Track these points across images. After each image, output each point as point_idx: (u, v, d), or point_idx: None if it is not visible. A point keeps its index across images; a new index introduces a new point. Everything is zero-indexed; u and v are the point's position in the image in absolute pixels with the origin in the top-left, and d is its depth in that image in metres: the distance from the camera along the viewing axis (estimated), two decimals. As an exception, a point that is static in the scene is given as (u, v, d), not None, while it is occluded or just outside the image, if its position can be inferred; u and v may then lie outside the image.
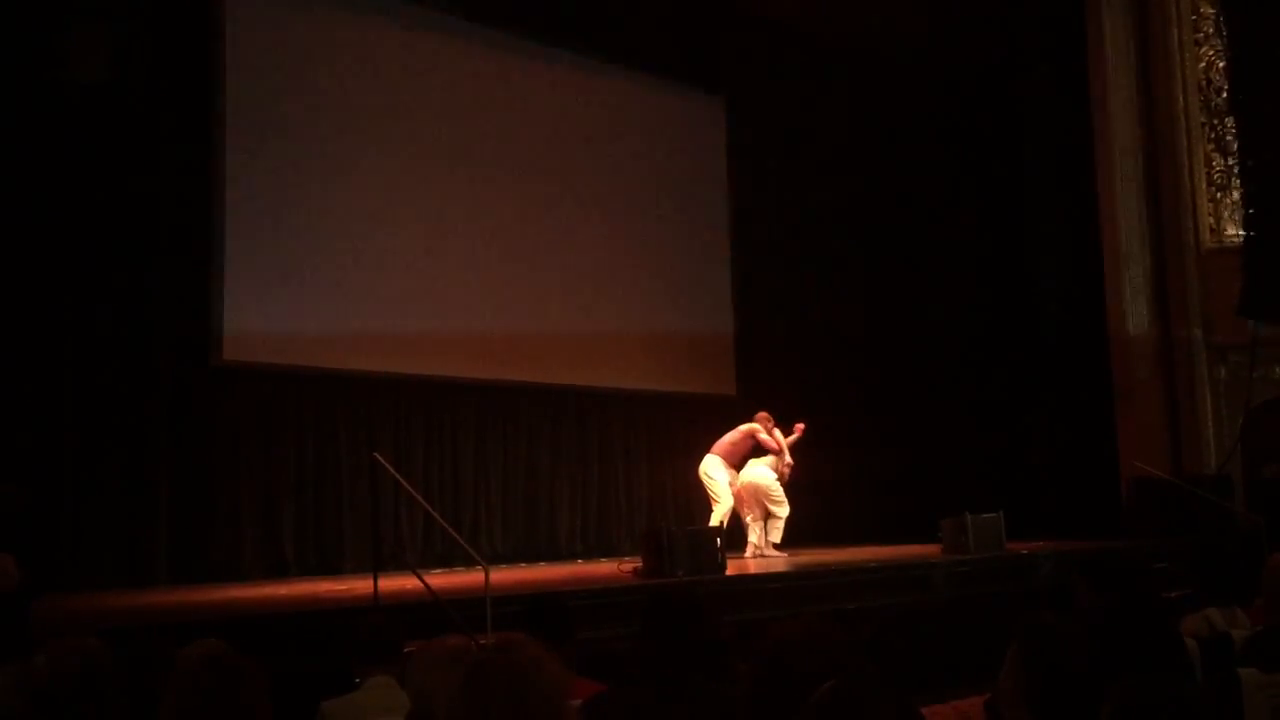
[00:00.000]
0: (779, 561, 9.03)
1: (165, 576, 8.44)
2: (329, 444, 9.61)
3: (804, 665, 1.90)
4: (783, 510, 9.48)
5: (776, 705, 1.90)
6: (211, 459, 8.90)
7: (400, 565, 7.98)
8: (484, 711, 1.42)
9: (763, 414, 9.70)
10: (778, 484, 9.46)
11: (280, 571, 9.02)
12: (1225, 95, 11.30)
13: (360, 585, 6.93)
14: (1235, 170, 11.18)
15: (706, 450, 9.69)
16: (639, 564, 7.91)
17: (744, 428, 9.67)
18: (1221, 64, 11.34)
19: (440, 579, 6.95)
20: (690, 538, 7.68)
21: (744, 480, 9.50)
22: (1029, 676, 2.29)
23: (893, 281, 13.18)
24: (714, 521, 9.18)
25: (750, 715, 2.04)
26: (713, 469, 9.53)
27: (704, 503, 9.89)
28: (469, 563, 8.66)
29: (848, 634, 2.34)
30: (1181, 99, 11.48)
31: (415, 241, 10.14)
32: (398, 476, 6.73)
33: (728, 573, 7.61)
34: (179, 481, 8.71)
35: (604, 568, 9.19)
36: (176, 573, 8.50)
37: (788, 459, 9.54)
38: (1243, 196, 11.04)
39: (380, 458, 6.70)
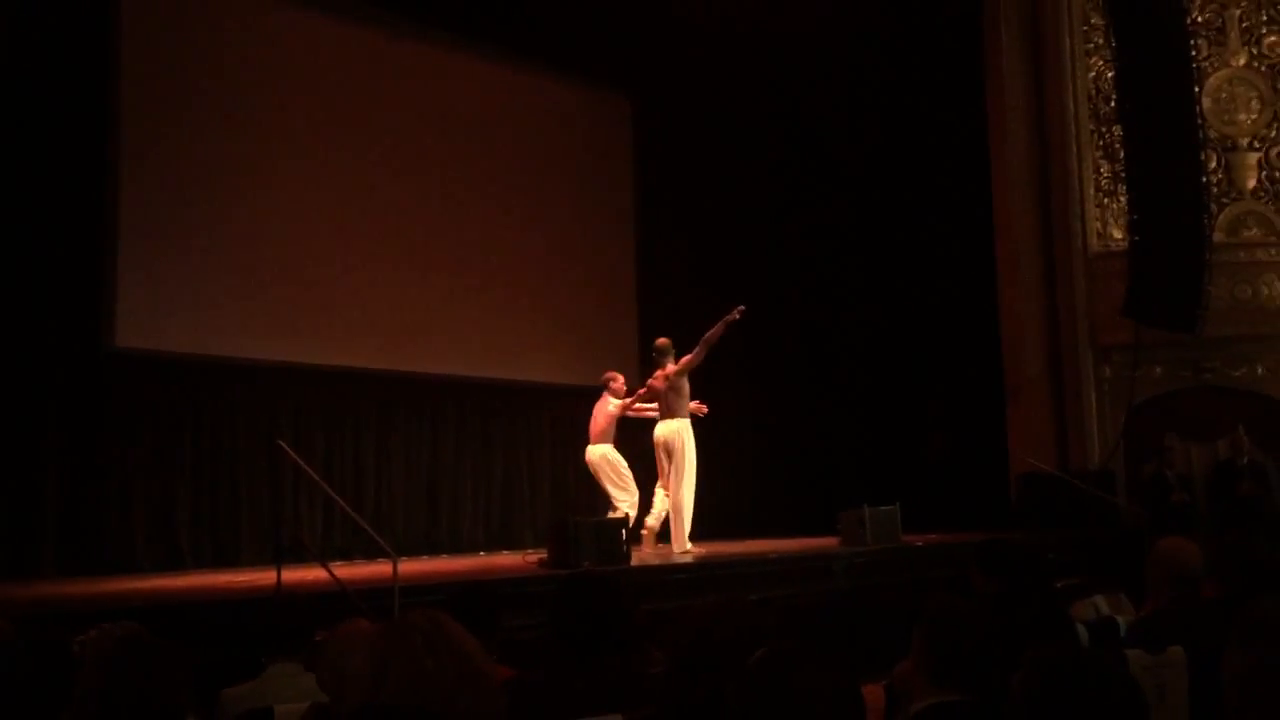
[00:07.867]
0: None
1: (52, 569, 8.16)
2: (226, 434, 9.41)
3: (728, 639, 1.95)
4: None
5: (701, 679, 1.95)
6: (103, 446, 8.64)
7: (300, 556, 7.86)
8: (404, 659, 1.43)
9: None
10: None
11: (175, 564, 8.79)
12: (1113, 103, 11.70)
13: (261, 577, 6.81)
14: (1122, 176, 11.59)
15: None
16: (544, 555, 7.92)
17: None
18: (1110, 73, 11.74)
19: (342, 571, 6.86)
20: (595, 528, 7.73)
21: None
22: (933, 651, 2.38)
23: (791, 277, 13.36)
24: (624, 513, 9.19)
25: (675, 690, 2.08)
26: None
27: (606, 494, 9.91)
28: (370, 555, 8.57)
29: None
30: (1072, 106, 11.82)
31: (316, 228, 9.97)
32: (300, 463, 6.63)
33: (632, 563, 7.67)
34: (68, 469, 8.44)
35: (508, 559, 9.17)
36: (65, 564, 8.22)
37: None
38: (1128, 202, 11.47)
39: (284, 445, 6.60)
